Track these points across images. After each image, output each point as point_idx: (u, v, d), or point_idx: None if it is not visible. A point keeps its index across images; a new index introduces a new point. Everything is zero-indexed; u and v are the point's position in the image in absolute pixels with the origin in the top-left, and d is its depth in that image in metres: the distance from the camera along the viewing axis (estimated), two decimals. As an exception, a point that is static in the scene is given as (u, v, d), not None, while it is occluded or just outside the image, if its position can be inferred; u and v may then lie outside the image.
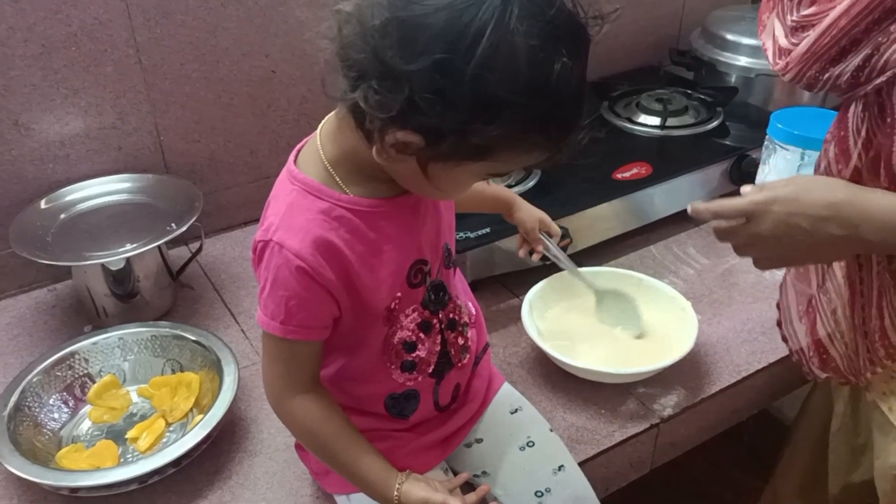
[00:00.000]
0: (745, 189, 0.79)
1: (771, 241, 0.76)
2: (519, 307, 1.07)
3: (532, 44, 0.57)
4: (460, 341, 0.84)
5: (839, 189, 0.75)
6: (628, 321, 1.07)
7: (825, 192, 0.74)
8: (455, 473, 0.87)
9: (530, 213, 1.04)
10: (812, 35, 0.75)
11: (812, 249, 0.76)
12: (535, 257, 1.06)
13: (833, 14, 0.73)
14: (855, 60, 0.72)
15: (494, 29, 0.56)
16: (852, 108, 0.77)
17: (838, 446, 1.06)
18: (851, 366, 0.89)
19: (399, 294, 0.76)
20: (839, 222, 0.73)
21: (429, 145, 0.62)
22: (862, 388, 0.93)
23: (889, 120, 0.73)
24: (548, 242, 1.05)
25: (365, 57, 0.60)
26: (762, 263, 0.82)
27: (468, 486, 0.83)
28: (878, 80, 0.72)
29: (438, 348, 0.81)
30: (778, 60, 0.81)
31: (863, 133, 0.76)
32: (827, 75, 0.75)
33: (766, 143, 1.23)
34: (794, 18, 0.78)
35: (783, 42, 0.80)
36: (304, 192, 0.71)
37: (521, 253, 1.07)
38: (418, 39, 0.57)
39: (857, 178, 0.78)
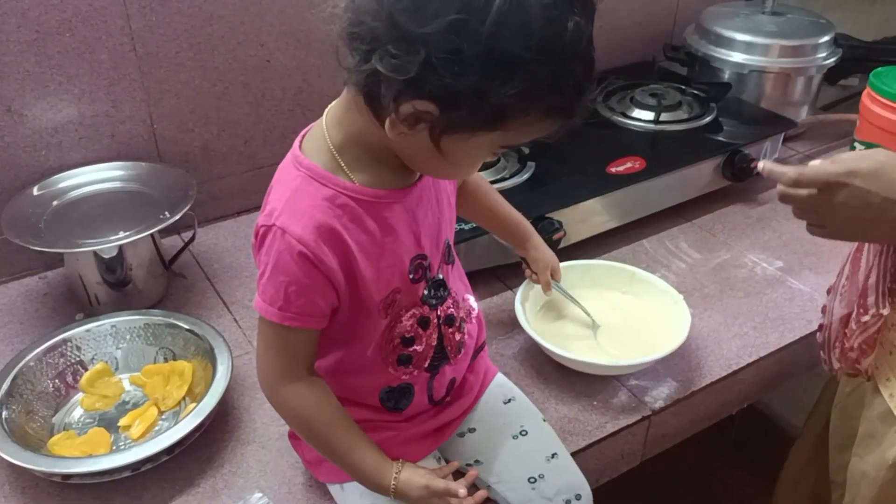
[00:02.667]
0: (815, 162, 0.77)
1: (838, 212, 0.76)
2: (512, 299, 1.08)
3: (545, 2, 0.58)
4: (457, 337, 0.84)
5: None
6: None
7: None
8: (447, 462, 0.87)
9: (543, 257, 1.04)
10: None
11: (873, 226, 0.76)
12: (546, 293, 1.08)
13: None
14: None
15: None
16: None
17: (835, 427, 1.05)
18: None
19: (399, 288, 0.76)
20: None
21: (444, 113, 0.62)
22: (867, 375, 0.92)
23: None
24: (556, 289, 1.07)
25: (380, 24, 0.60)
26: (818, 231, 0.81)
27: (459, 474, 0.83)
28: None
29: (435, 343, 0.82)
30: None
31: None
32: None
33: None
34: None
35: None
36: (309, 178, 0.71)
37: (533, 279, 1.08)
38: (432, 2, 0.58)
39: None
